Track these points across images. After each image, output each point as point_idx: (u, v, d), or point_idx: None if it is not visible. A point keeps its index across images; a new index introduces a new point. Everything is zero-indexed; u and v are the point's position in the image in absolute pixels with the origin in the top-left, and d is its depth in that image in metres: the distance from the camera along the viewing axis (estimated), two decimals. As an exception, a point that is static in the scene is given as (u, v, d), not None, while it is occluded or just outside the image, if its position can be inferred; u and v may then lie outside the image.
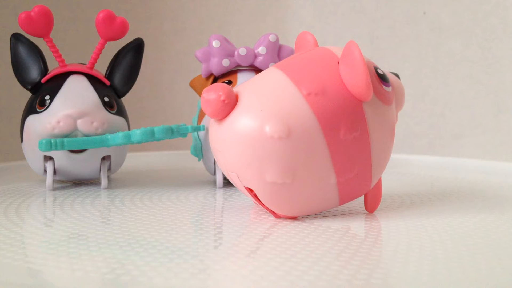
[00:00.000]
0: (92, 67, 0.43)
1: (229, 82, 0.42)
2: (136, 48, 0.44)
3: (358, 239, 0.28)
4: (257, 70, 0.43)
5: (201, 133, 0.42)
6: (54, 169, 0.41)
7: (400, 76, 0.35)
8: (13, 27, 0.43)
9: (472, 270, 0.24)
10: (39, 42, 0.43)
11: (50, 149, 0.38)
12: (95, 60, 0.42)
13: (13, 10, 0.78)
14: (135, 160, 0.58)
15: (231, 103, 0.30)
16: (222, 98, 0.30)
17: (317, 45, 0.33)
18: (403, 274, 0.24)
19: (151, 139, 0.39)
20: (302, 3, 0.85)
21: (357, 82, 0.29)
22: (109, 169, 0.43)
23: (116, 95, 0.43)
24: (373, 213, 0.34)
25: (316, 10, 0.85)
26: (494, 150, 0.80)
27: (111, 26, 0.41)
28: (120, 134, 0.39)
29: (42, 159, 0.41)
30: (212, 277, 0.23)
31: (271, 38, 0.43)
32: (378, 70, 0.31)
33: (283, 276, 0.23)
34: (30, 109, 0.41)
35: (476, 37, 0.80)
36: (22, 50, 0.42)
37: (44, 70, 0.42)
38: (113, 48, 0.44)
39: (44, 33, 0.41)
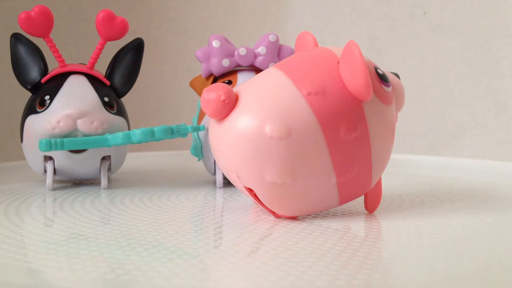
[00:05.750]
0: (92, 67, 0.43)
1: (229, 82, 0.42)
2: (136, 48, 0.44)
3: (358, 239, 0.28)
4: (257, 70, 0.43)
5: (201, 133, 0.42)
6: (54, 169, 0.41)
7: (400, 76, 0.35)
8: (13, 27, 0.43)
9: (472, 270, 0.24)
10: (39, 42, 0.43)
11: (50, 149, 0.38)
12: (95, 60, 0.42)
13: (13, 10, 0.78)
14: (135, 160, 0.58)
15: (231, 103, 0.30)
16: (222, 98, 0.30)
17: (317, 45, 0.33)
18: (403, 274, 0.24)
19: (151, 139, 0.39)
20: (302, 3, 0.85)
21: (357, 82, 0.29)
22: (109, 169, 0.43)
23: (116, 95, 0.43)
24: (373, 213, 0.34)
25: (316, 10, 0.85)
26: (494, 150, 0.80)
27: (111, 26, 0.41)
28: (120, 134, 0.39)
29: (42, 159, 0.41)
30: (212, 277, 0.23)
31: (271, 38, 0.43)
32: (378, 70, 0.31)
33: (283, 276, 0.23)
34: (30, 109, 0.41)
35: (476, 37, 0.80)
36: (22, 50, 0.42)
37: (44, 70, 0.42)
38: (113, 48, 0.44)
39: (44, 33, 0.41)
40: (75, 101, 0.40)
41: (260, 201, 0.31)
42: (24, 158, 0.44)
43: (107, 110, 0.41)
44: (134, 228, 0.30)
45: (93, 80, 0.42)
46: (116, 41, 0.43)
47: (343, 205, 0.35)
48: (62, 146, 0.39)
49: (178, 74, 0.86)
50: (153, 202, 0.37)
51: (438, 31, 0.82)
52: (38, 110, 0.41)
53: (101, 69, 0.44)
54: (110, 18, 0.41)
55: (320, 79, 0.30)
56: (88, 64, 0.43)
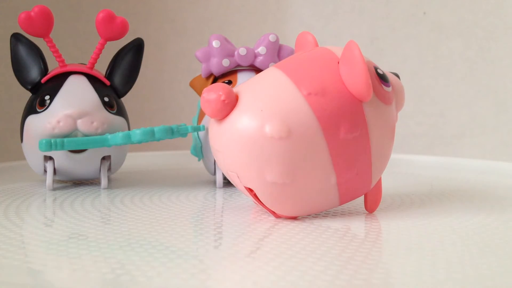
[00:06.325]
0: (92, 67, 0.43)
1: (229, 82, 0.42)
2: (136, 48, 0.44)
3: (358, 239, 0.28)
4: (257, 70, 0.43)
5: (201, 133, 0.42)
6: (54, 169, 0.41)
7: (400, 76, 0.35)
8: (13, 27, 0.43)
9: (472, 270, 0.24)
10: (39, 42, 0.43)
11: (50, 149, 0.38)
12: (95, 60, 0.42)
13: (13, 10, 0.78)
14: (135, 160, 0.58)
15: (231, 103, 0.30)
16: (222, 98, 0.30)
17: (317, 45, 0.33)
18: (403, 274, 0.24)
19: (151, 139, 0.39)
20: (302, 3, 0.85)
21: (357, 82, 0.29)
22: (109, 169, 0.43)
23: (116, 95, 0.43)
24: (373, 213, 0.34)
25: (316, 10, 0.85)
26: (494, 150, 0.80)
27: (111, 26, 0.41)
28: (120, 134, 0.39)
29: (42, 159, 0.41)
30: (212, 277, 0.23)
31: (271, 38, 0.43)
32: (378, 70, 0.31)
33: (283, 276, 0.23)
34: (30, 109, 0.41)
35: (476, 37, 0.80)
36: (22, 50, 0.42)
37: (44, 70, 0.42)
38: (113, 48, 0.44)
39: (44, 33, 0.41)
40: (75, 101, 0.40)
41: (260, 201, 0.31)
42: (24, 158, 0.44)
43: (107, 110, 0.41)
44: (134, 228, 0.30)
45: (93, 80, 0.42)
46: (116, 41, 0.43)
47: (343, 205, 0.35)
48: (62, 146, 0.39)
49: (178, 74, 0.86)
50: (153, 202, 0.37)
51: (438, 31, 0.82)
52: (38, 110, 0.41)
53: (101, 69, 0.44)
54: (110, 18, 0.41)
55: (320, 79, 0.30)
56: (88, 64, 0.43)
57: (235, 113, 0.30)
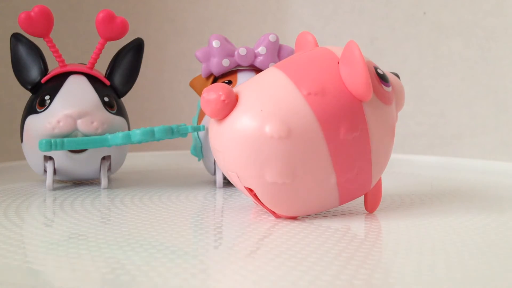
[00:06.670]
0: (92, 67, 0.43)
1: (229, 82, 0.42)
2: (136, 48, 0.44)
3: (358, 239, 0.28)
4: (257, 70, 0.43)
5: (201, 133, 0.42)
6: (54, 169, 0.41)
7: (400, 76, 0.35)
8: (13, 27, 0.43)
9: (472, 270, 0.24)
10: (39, 42, 0.43)
11: (50, 149, 0.38)
12: (95, 60, 0.42)
13: (13, 10, 0.79)
14: (135, 160, 0.58)
15: (231, 103, 0.30)
16: (222, 98, 0.30)
17: (317, 45, 0.33)
18: (403, 274, 0.24)
19: (151, 139, 0.39)
20: (302, 3, 0.85)
21: (357, 82, 0.29)
22: (109, 169, 0.43)
23: (116, 95, 0.43)
24: (373, 213, 0.34)
25: (316, 10, 0.85)
26: (494, 150, 0.80)
27: (111, 26, 0.41)
28: (120, 134, 0.39)
29: (42, 159, 0.41)
30: (212, 277, 0.23)
31: (271, 38, 0.43)
32: (378, 70, 0.31)
33: (283, 276, 0.23)
34: (30, 109, 0.41)
35: (476, 37, 0.80)
36: (22, 50, 0.42)
37: (44, 70, 0.42)
38: (113, 48, 0.44)
39: (44, 33, 0.41)
40: (75, 101, 0.40)
41: (260, 201, 0.31)
42: (24, 158, 0.44)
43: (107, 110, 0.41)
44: (134, 228, 0.30)
45: (93, 80, 0.42)
46: (116, 41, 0.43)
47: (343, 205, 0.35)
48: (62, 146, 0.39)
49: (178, 74, 0.86)
50: (153, 202, 0.37)
51: (438, 31, 0.82)
52: (38, 110, 0.41)
53: (101, 69, 0.44)
54: (110, 18, 0.41)
55: (320, 79, 0.30)
56: (88, 64, 0.43)
57: (235, 113, 0.30)
